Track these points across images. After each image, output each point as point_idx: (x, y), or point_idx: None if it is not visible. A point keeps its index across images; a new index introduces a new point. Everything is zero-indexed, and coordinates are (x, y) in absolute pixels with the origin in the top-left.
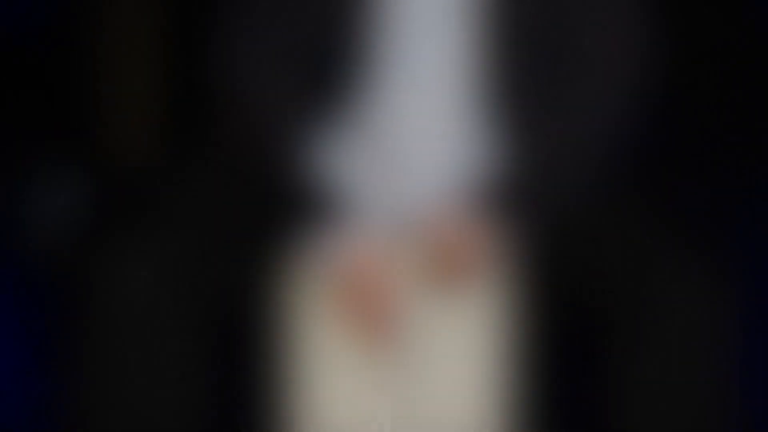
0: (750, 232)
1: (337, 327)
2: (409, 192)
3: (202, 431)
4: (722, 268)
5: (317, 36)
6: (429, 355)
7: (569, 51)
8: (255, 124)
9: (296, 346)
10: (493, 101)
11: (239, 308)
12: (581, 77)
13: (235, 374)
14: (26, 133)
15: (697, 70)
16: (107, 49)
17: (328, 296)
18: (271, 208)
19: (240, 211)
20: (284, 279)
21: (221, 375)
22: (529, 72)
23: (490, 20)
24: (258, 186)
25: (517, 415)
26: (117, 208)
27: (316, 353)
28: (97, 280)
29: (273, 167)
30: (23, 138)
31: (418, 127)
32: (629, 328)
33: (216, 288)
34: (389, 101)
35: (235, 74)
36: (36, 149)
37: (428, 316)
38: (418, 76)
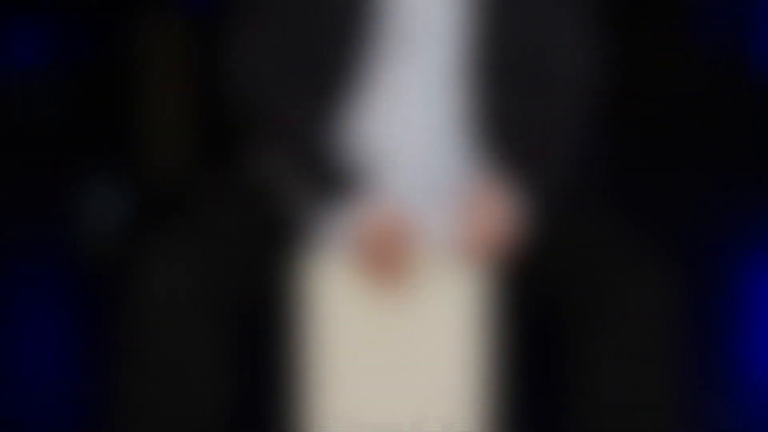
0: (706, 233)
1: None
2: (395, 186)
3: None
4: (684, 275)
5: (323, 47)
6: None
7: (542, 71)
8: (270, 131)
9: (321, 342)
10: (476, 109)
11: (269, 304)
12: (553, 95)
13: (263, 367)
14: (79, 152)
15: (643, 85)
16: (146, 82)
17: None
18: (293, 203)
19: (264, 211)
20: (309, 276)
21: (252, 365)
22: (509, 90)
23: (477, 43)
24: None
25: (494, 409)
26: (155, 213)
27: (340, 345)
28: (136, 277)
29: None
30: (76, 155)
31: (407, 132)
32: (598, 328)
33: (246, 283)
34: (383, 105)
35: (252, 88)
36: (87, 165)
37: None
38: (408, 85)
